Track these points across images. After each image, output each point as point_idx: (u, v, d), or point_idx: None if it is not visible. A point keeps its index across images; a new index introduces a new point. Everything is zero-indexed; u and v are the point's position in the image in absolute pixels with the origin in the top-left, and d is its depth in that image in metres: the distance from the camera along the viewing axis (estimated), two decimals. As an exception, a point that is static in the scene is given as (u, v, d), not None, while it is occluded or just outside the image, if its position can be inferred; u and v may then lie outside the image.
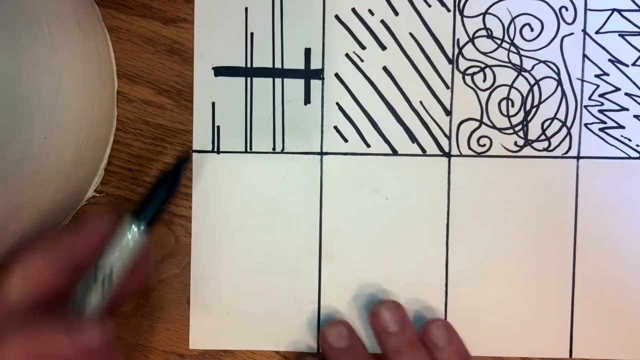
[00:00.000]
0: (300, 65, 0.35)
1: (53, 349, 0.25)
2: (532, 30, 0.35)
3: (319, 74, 0.35)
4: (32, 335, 0.25)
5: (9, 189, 0.26)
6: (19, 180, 0.26)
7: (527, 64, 0.35)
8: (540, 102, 0.35)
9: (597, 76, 0.35)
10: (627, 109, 0.35)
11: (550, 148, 0.35)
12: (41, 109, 0.27)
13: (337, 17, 0.34)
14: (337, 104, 0.35)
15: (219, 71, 0.34)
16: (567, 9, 0.34)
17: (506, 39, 0.35)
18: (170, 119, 0.35)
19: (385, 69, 0.35)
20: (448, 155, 0.35)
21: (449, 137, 0.35)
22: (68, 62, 0.29)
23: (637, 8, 0.34)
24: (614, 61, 0.35)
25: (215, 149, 0.35)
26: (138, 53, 0.35)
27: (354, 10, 0.34)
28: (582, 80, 0.35)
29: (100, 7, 0.34)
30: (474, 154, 0.35)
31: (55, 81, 0.28)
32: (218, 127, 0.35)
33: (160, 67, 0.35)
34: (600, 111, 0.35)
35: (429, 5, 0.34)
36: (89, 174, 0.34)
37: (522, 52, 0.35)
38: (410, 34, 0.35)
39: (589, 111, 0.35)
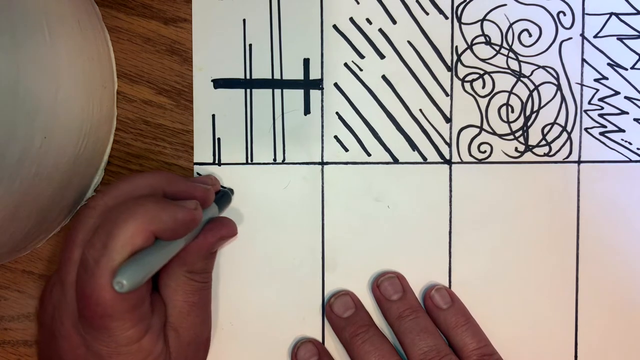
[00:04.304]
0: (299, 75, 0.35)
1: (167, 220, 0.27)
2: (530, 35, 0.35)
3: (318, 84, 0.35)
4: (148, 210, 0.27)
5: (9, 189, 0.26)
6: (19, 180, 0.26)
7: (526, 69, 0.35)
8: (540, 108, 0.35)
9: (596, 80, 0.35)
10: (627, 113, 0.35)
11: (551, 153, 0.35)
12: (41, 109, 0.27)
13: (335, 26, 0.34)
14: (337, 113, 0.35)
15: (219, 83, 0.35)
16: (564, 14, 0.34)
17: (505, 45, 0.35)
18: (170, 119, 0.35)
19: (384, 77, 0.35)
20: (449, 162, 0.35)
21: (449, 145, 0.35)
22: (68, 62, 0.29)
23: (635, 11, 0.34)
24: (613, 65, 0.35)
25: (216, 161, 0.35)
26: (138, 53, 0.35)
27: (352, 19, 0.34)
28: (582, 85, 0.35)
29: (100, 7, 0.34)
30: (474, 160, 0.35)
31: (55, 81, 0.27)
32: (219, 139, 0.35)
33: (160, 67, 0.35)
34: (600, 115, 0.35)
35: (427, 13, 0.34)
36: (89, 174, 0.34)
37: (520, 58, 0.35)
38: (409, 42, 0.35)
39: (589, 115, 0.35)
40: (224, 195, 0.33)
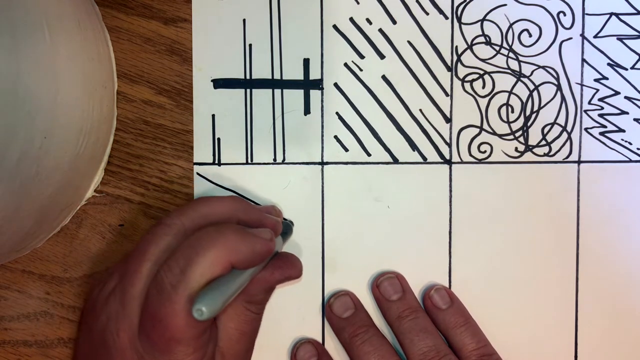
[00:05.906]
0: (299, 75, 0.35)
1: (245, 251, 0.27)
2: (530, 35, 0.35)
3: (318, 84, 0.35)
4: (229, 240, 0.27)
5: (9, 189, 0.26)
6: (19, 180, 0.26)
7: (526, 69, 0.35)
8: (540, 108, 0.35)
9: (596, 80, 0.35)
10: (627, 113, 0.35)
11: (551, 153, 0.35)
12: (41, 109, 0.27)
13: (335, 26, 0.34)
14: (337, 113, 0.35)
15: (218, 83, 0.35)
16: (565, 14, 0.34)
17: (505, 45, 0.35)
18: (170, 119, 0.35)
19: (384, 77, 0.35)
20: (449, 162, 0.35)
21: (449, 145, 0.35)
22: (68, 62, 0.29)
23: (635, 11, 0.34)
24: (613, 65, 0.35)
25: (216, 161, 0.35)
26: (138, 53, 0.35)
27: (352, 19, 0.34)
28: (582, 85, 0.35)
29: (100, 7, 0.34)
30: (474, 160, 0.35)
31: (55, 81, 0.28)
32: (218, 139, 0.35)
33: (160, 67, 0.35)
34: (600, 115, 0.35)
35: (427, 13, 0.34)
36: (89, 174, 0.34)
37: (520, 58, 0.35)
38: (409, 42, 0.35)
39: (589, 115, 0.35)
40: (286, 227, 0.33)
